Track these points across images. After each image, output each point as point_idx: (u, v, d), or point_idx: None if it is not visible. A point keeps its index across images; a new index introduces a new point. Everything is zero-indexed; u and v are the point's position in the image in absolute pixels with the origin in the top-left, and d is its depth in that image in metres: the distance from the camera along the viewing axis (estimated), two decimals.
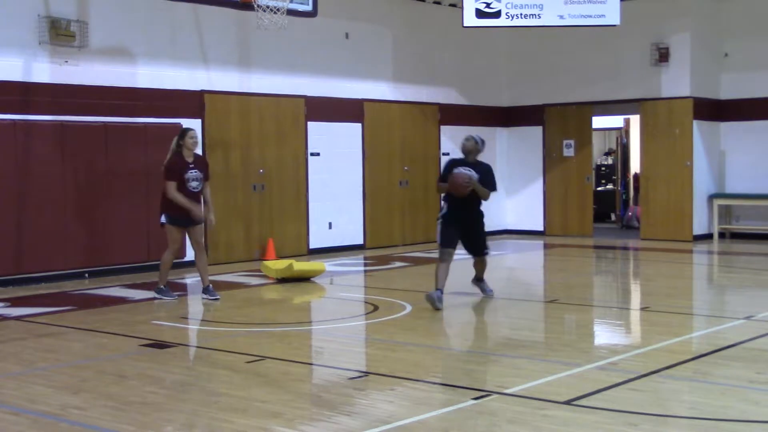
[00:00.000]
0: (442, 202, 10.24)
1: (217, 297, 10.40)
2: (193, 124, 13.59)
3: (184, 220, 10.29)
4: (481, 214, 10.17)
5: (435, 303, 9.47)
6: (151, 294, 10.80)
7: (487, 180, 9.94)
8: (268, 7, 12.49)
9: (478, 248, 10.20)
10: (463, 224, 9.99)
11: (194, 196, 10.29)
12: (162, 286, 10.52)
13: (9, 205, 11.69)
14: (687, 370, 6.81)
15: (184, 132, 10.41)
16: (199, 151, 11.07)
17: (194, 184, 10.26)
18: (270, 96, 14.79)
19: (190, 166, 10.26)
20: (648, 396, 6.07)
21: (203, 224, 10.51)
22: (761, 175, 17.15)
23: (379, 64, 16.59)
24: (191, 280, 12.37)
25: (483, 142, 10.21)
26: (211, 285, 10.52)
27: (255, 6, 12.42)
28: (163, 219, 10.34)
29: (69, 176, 12.23)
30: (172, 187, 10.12)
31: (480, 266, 10.41)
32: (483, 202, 10.08)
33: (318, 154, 15.52)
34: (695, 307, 10.33)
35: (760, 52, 17.04)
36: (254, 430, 5.40)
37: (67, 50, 12.26)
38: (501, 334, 8.61)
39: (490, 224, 18.83)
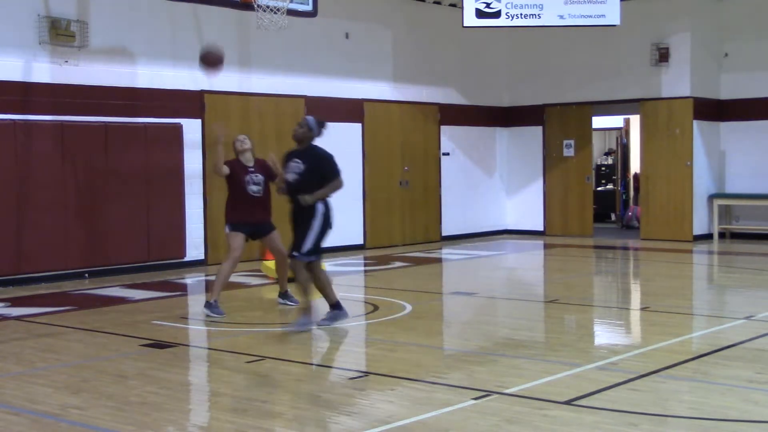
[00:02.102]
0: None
1: (296, 302, 9.58)
2: (193, 124, 13.63)
3: (248, 227, 9.55)
4: (311, 211, 8.52)
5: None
6: (151, 294, 10.81)
7: (320, 168, 8.52)
8: (268, 7, 12.48)
9: (292, 246, 8.59)
10: (295, 221, 8.69)
11: (256, 202, 9.54)
12: (212, 301, 9.34)
13: (9, 205, 11.69)
14: (687, 370, 6.81)
15: (233, 143, 9.75)
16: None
17: (254, 188, 9.50)
18: (270, 96, 14.79)
19: (250, 169, 9.56)
20: (648, 396, 6.07)
21: (276, 231, 9.78)
22: (761, 175, 17.15)
23: (379, 64, 16.59)
24: (191, 280, 12.38)
25: (319, 124, 8.73)
26: (288, 290, 9.91)
27: (255, 6, 12.42)
28: (226, 228, 9.55)
29: (69, 176, 12.23)
30: (219, 165, 9.44)
31: (283, 271, 8.88)
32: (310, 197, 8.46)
33: None
34: (695, 307, 10.33)
35: (760, 52, 17.04)
36: (254, 430, 5.40)
37: (67, 50, 12.26)
38: (501, 334, 8.61)
39: (490, 224, 19.12)
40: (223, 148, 9.55)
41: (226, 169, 9.48)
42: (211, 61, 9.48)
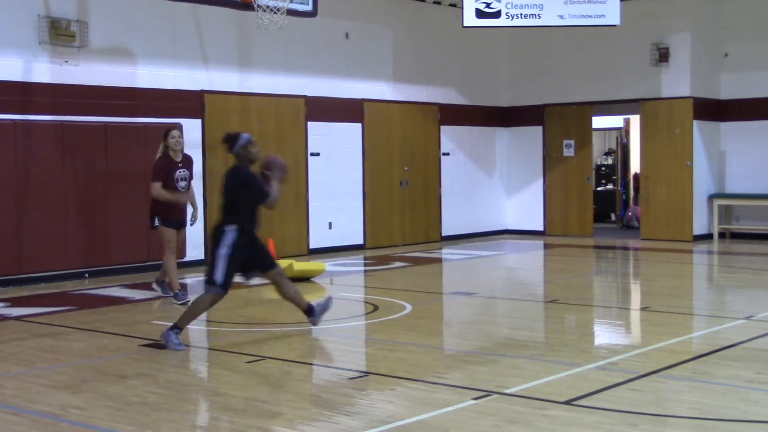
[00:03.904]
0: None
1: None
2: (193, 124, 13.63)
3: (175, 221, 10.22)
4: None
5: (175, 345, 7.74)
6: (151, 294, 10.81)
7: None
8: (268, 7, 12.48)
9: (270, 261, 8.16)
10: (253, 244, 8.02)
11: (182, 196, 10.29)
12: (177, 291, 10.19)
13: (9, 205, 11.69)
14: (687, 370, 6.81)
15: (166, 132, 10.31)
16: (193, 151, 11.03)
17: (182, 183, 10.17)
18: (270, 96, 14.79)
19: (179, 165, 10.17)
20: (648, 396, 6.07)
21: (184, 227, 10.48)
22: (761, 175, 17.15)
23: (379, 64, 16.59)
24: (191, 280, 12.37)
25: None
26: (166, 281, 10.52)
27: (255, 6, 12.42)
28: (156, 222, 10.20)
29: (69, 176, 12.24)
30: (156, 187, 10.02)
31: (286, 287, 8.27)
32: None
33: (318, 154, 15.52)
34: (695, 307, 10.33)
35: (760, 52, 17.04)
36: (254, 430, 5.40)
37: (67, 50, 12.26)
38: (501, 334, 8.61)
39: (490, 224, 19.14)
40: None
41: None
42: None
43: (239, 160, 7.98)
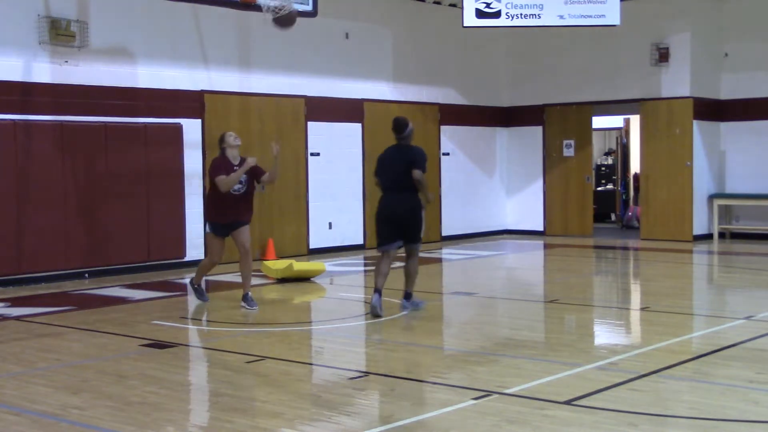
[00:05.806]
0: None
1: (256, 307, 9.74)
2: (193, 124, 13.63)
3: (225, 226, 9.73)
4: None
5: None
6: (151, 294, 10.81)
7: None
8: (269, 7, 12.44)
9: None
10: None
11: (236, 199, 9.66)
12: (196, 285, 10.16)
13: (9, 205, 11.69)
14: (687, 370, 6.82)
15: (222, 135, 9.90)
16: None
17: (237, 186, 9.59)
18: (270, 96, 14.79)
19: (235, 167, 9.66)
20: (648, 396, 6.07)
21: (247, 226, 9.80)
22: (761, 175, 17.15)
23: (379, 64, 16.58)
24: (186, 280, 12.35)
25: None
26: (250, 293, 9.82)
27: (262, 6, 12.34)
28: (207, 228, 10.03)
29: (69, 176, 12.23)
30: (220, 181, 9.51)
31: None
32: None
33: (318, 154, 15.51)
34: (695, 307, 10.33)
35: (760, 52, 17.04)
36: (254, 430, 5.40)
37: (67, 50, 12.26)
38: (501, 334, 8.61)
39: (490, 224, 19.13)
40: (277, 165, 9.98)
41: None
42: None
43: (407, 142, 9.38)
